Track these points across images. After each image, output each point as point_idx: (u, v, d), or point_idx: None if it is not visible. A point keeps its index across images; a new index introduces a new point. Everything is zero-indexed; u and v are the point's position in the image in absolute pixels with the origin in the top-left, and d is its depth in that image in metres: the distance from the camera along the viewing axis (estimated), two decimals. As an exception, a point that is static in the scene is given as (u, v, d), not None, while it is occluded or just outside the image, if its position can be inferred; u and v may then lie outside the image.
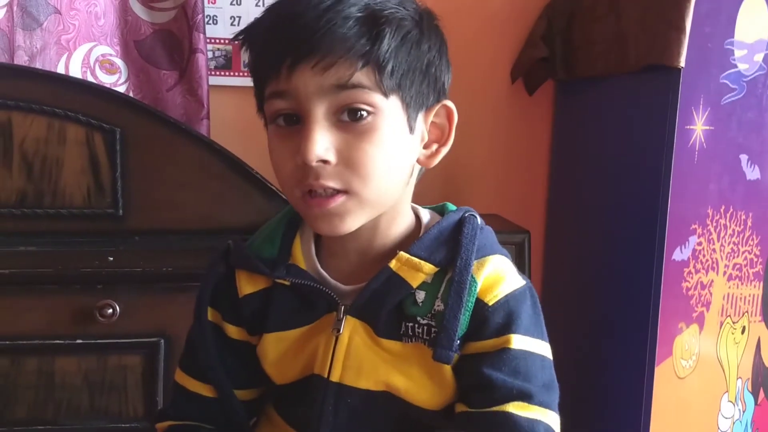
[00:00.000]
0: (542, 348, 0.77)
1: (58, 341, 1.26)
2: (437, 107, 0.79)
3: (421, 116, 0.77)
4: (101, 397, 1.28)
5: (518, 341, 0.74)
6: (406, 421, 0.79)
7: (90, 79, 1.54)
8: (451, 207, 0.84)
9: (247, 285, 0.83)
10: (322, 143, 0.69)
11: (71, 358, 1.27)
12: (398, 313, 0.77)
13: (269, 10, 0.75)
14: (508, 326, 0.75)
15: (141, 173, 1.34)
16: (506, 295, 0.76)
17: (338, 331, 0.77)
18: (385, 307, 0.76)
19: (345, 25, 0.68)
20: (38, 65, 1.49)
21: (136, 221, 1.35)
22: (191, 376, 0.86)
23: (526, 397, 0.73)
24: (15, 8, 1.48)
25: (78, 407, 1.28)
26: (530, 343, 0.76)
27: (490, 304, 0.75)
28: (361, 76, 0.69)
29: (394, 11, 0.72)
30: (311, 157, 0.69)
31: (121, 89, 1.58)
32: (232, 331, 0.85)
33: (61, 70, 1.51)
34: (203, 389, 0.85)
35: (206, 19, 1.61)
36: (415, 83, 0.74)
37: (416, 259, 0.76)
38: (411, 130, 0.75)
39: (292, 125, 0.73)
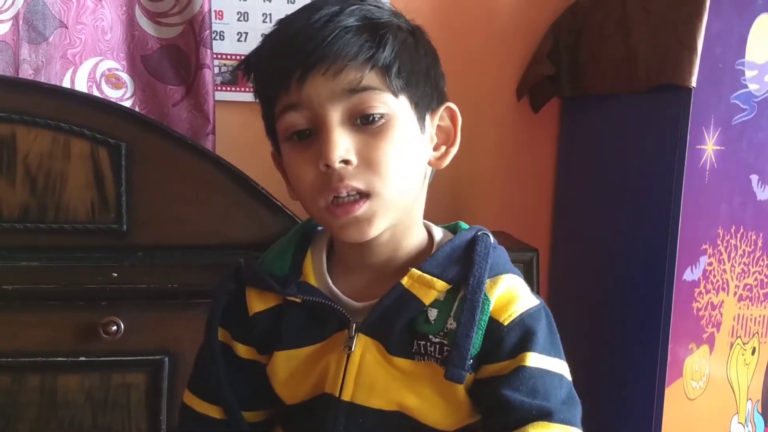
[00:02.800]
0: (560, 367, 0.76)
1: (60, 358, 1.23)
2: (441, 110, 0.82)
3: (428, 117, 0.79)
4: (104, 415, 1.26)
5: (534, 359, 0.73)
6: None
7: (96, 93, 1.53)
8: (464, 226, 0.84)
9: (258, 303, 0.82)
10: (343, 144, 0.71)
11: (74, 376, 1.25)
12: (410, 331, 0.76)
13: (267, 38, 0.78)
14: (523, 345, 0.74)
15: (146, 188, 1.33)
16: (521, 314, 0.75)
17: (350, 348, 0.76)
18: (397, 325, 0.76)
19: (348, 34, 0.71)
20: (43, 79, 1.48)
21: (141, 237, 1.33)
22: (200, 398, 0.85)
23: (545, 416, 0.71)
24: (20, 22, 1.47)
25: (81, 426, 1.26)
26: (547, 362, 0.75)
27: (506, 323, 0.74)
28: (371, 79, 0.72)
29: (389, 20, 0.76)
30: (333, 158, 0.70)
31: (127, 104, 1.57)
32: (242, 350, 0.84)
33: (66, 84, 1.50)
34: (212, 411, 0.84)
35: (213, 35, 1.61)
36: (420, 84, 0.77)
37: (428, 276, 0.75)
38: (422, 130, 0.78)
39: (306, 138, 0.74)
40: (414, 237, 0.82)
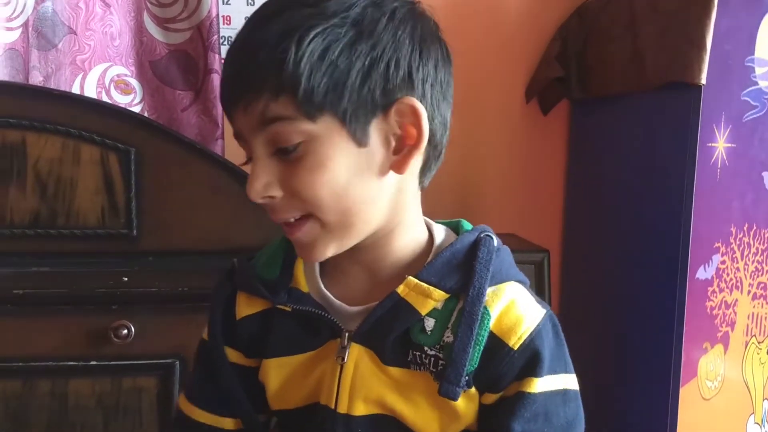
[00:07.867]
0: (565, 382, 0.73)
1: (71, 363, 1.24)
2: (395, 106, 0.69)
3: (374, 123, 0.68)
4: (116, 419, 1.26)
5: (540, 385, 0.70)
6: None
7: (105, 99, 1.54)
8: (467, 225, 0.79)
9: (245, 307, 0.80)
10: (261, 180, 0.68)
11: (85, 380, 1.25)
12: (405, 340, 0.73)
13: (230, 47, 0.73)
14: (530, 369, 0.71)
15: (155, 193, 1.33)
16: (530, 335, 0.71)
17: (343, 359, 0.73)
18: (392, 335, 0.72)
19: (255, 62, 0.65)
20: (53, 86, 1.49)
21: (151, 241, 1.33)
22: (203, 408, 0.82)
23: None
24: (30, 29, 1.48)
25: (92, 430, 1.26)
26: (552, 382, 0.71)
27: (516, 347, 0.70)
28: (279, 107, 0.65)
29: (316, 22, 0.65)
30: (253, 196, 0.68)
31: (136, 109, 1.57)
32: (230, 354, 0.81)
33: (76, 90, 1.51)
34: (213, 420, 0.81)
35: (221, 40, 1.61)
36: (351, 93, 0.66)
37: (425, 285, 0.71)
38: (359, 143, 0.68)
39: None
40: (407, 240, 0.76)
